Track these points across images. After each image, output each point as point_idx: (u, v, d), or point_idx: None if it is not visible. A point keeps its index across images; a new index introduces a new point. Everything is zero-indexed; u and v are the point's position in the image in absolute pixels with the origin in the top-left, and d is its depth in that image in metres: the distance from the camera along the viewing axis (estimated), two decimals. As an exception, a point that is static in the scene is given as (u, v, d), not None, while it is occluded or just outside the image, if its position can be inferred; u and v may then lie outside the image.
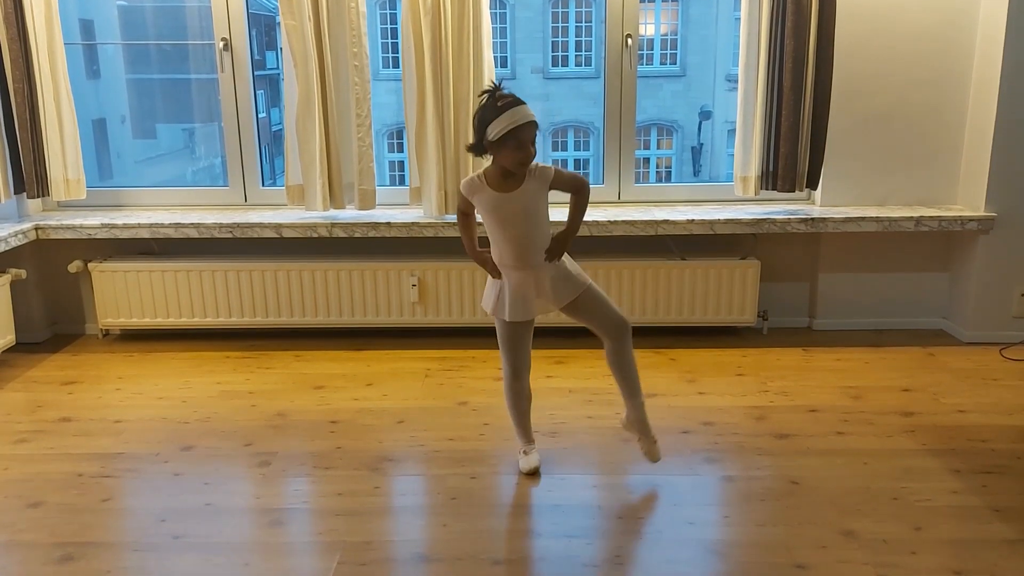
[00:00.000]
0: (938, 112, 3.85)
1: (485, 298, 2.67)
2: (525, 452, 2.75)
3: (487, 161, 2.53)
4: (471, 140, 2.54)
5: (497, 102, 2.39)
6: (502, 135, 2.36)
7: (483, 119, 2.40)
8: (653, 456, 2.70)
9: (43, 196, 3.84)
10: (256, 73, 4.07)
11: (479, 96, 2.49)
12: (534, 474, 2.69)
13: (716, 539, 2.34)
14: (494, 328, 3.89)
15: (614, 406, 3.19)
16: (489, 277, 2.64)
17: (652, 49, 14.33)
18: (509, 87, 2.47)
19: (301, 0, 3.55)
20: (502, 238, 2.51)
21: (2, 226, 3.72)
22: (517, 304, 2.56)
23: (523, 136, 2.37)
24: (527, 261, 2.51)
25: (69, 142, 3.82)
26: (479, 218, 2.60)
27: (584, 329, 2.73)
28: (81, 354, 3.88)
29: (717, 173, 14.02)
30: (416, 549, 2.30)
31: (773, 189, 3.77)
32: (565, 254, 2.58)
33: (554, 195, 2.54)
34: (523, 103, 2.40)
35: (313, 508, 2.53)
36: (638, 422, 2.70)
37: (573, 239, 2.57)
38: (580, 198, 2.59)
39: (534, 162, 2.46)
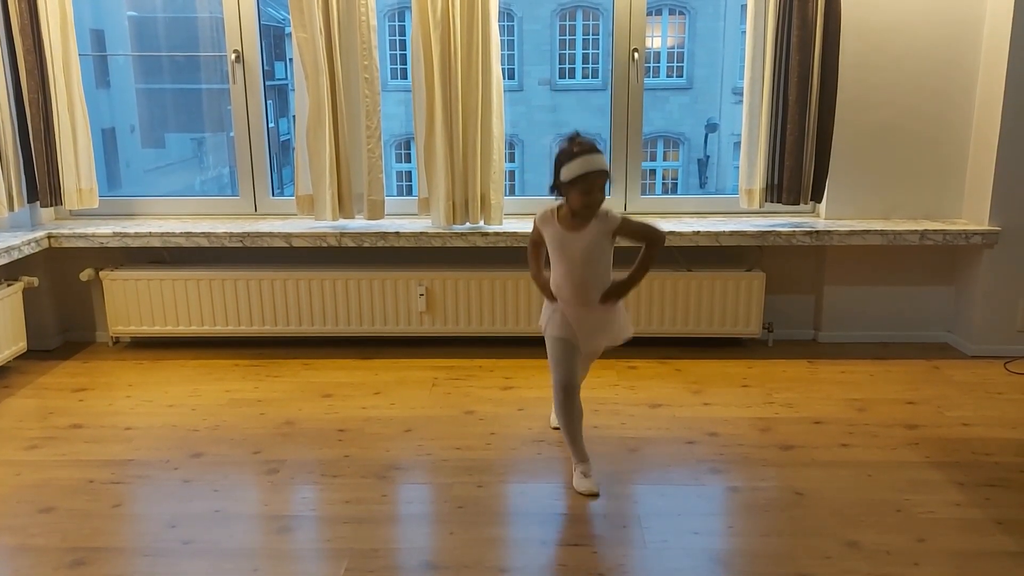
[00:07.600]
0: (943, 126, 3.87)
1: (541, 319, 2.80)
2: (584, 474, 2.70)
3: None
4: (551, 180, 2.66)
5: (574, 147, 2.52)
6: (572, 178, 2.50)
7: (559, 161, 2.55)
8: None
9: (56, 205, 3.89)
10: (265, 83, 4.11)
11: (561, 141, 2.60)
12: (589, 496, 2.65)
13: (720, 549, 2.36)
14: (500, 337, 3.97)
15: (619, 416, 3.22)
16: (546, 300, 2.77)
17: (659, 62, 14.37)
18: (585, 137, 2.58)
19: (313, 14, 3.61)
20: (560, 272, 2.65)
21: (15, 234, 3.76)
22: (565, 325, 2.67)
23: (591, 182, 2.50)
24: (581, 298, 2.64)
25: (82, 152, 3.86)
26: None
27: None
28: (92, 361, 3.92)
29: (724, 185, 14.03)
30: (423, 557, 2.33)
31: (778, 202, 3.80)
32: (621, 303, 2.72)
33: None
34: (599, 152, 2.52)
35: (321, 515, 2.55)
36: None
37: (633, 288, 2.68)
38: (650, 250, 2.68)
39: (605, 208, 2.59)
